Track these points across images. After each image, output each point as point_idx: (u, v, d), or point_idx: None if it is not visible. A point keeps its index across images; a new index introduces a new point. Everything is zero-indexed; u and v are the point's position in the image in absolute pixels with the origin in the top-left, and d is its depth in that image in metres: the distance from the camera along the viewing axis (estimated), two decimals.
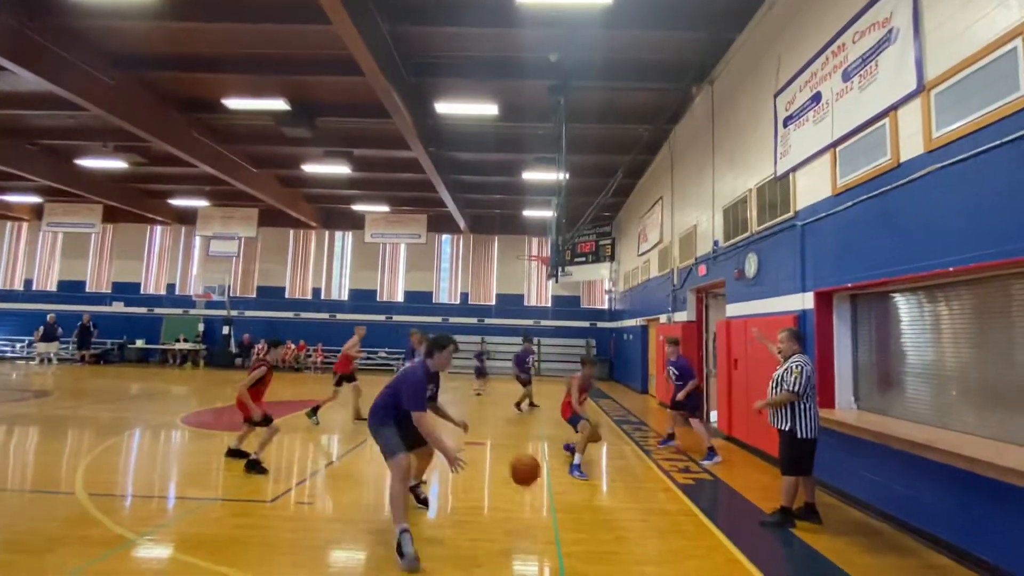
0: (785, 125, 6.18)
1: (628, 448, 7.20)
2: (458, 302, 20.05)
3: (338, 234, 20.34)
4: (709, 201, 8.72)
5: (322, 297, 20.06)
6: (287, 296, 20.03)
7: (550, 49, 8.15)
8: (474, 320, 19.66)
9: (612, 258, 16.91)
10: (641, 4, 7.10)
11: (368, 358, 19.07)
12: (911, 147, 4.18)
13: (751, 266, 7.02)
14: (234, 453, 5.78)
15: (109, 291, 20.05)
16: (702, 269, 9.03)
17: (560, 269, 10.71)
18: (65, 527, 3.78)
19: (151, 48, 8.70)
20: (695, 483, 5.48)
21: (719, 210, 8.21)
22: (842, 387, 5.29)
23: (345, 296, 20.15)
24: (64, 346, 17.93)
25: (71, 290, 19.97)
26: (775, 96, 6.42)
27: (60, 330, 17.53)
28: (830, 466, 5.05)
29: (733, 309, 7.65)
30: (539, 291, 20.27)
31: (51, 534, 3.64)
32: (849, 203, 4.92)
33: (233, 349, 18.70)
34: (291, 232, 20.12)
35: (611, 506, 4.78)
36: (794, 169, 5.97)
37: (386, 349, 19.14)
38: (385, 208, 18.04)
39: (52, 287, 20.13)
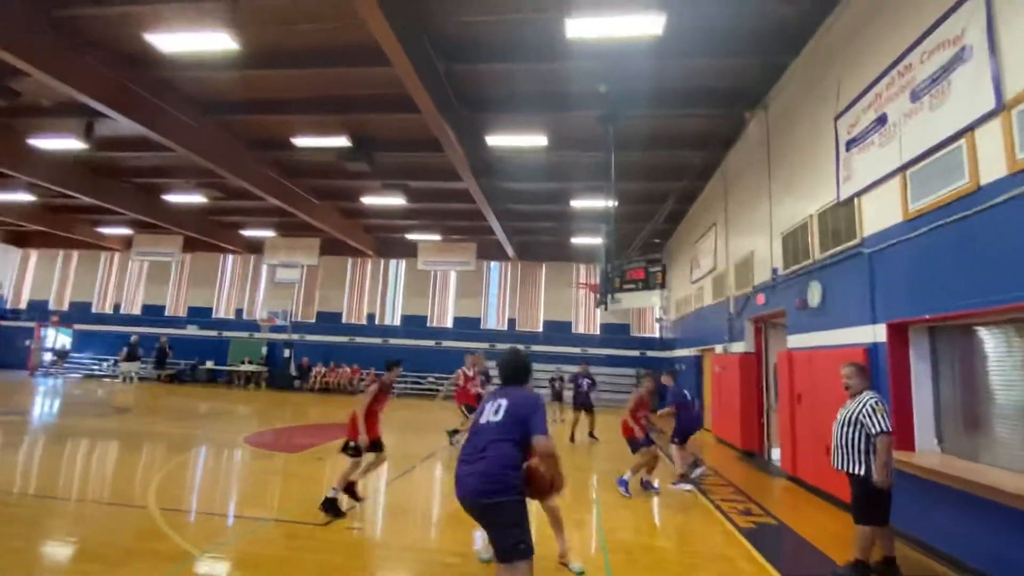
0: (848, 148, 5.92)
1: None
2: (506, 328, 20.13)
3: (392, 262, 21.08)
4: (766, 227, 8.41)
5: (376, 323, 20.71)
6: (344, 321, 20.83)
7: (599, 80, 8.27)
8: (521, 347, 19.57)
9: (663, 285, 16.36)
10: (691, 34, 7.10)
11: (415, 383, 19.41)
12: (992, 169, 3.88)
13: (814, 295, 6.66)
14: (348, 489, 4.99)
15: (185, 315, 21.61)
16: (760, 298, 8.65)
17: (609, 296, 10.54)
18: (138, 540, 4.03)
19: (230, 94, 9.54)
20: (757, 527, 5.13)
21: (777, 236, 7.89)
22: (922, 428, 4.85)
23: (397, 322, 20.71)
24: (144, 366, 19.38)
25: (153, 314, 21.67)
26: (835, 119, 6.18)
27: (141, 351, 19.04)
28: (910, 514, 4.60)
29: (796, 340, 7.25)
30: (587, 318, 20.03)
31: (126, 546, 3.89)
32: (924, 229, 4.61)
33: (292, 372, 19.55)
34: (349, 260, 21.04)
35: (666, 547, 4.56)
36: (859, 194, 5.67)
37: (435, 374, 19.39)
38: (437, 237, 18.57)
39: (137, 311, 21.93)
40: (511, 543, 2.51)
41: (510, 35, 7.36)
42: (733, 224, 10.41)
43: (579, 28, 6.49)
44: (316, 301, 21.10)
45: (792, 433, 7.00)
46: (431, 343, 20.01)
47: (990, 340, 4.26)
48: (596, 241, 15.93)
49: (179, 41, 7.23)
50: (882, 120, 5.24)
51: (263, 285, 21.43)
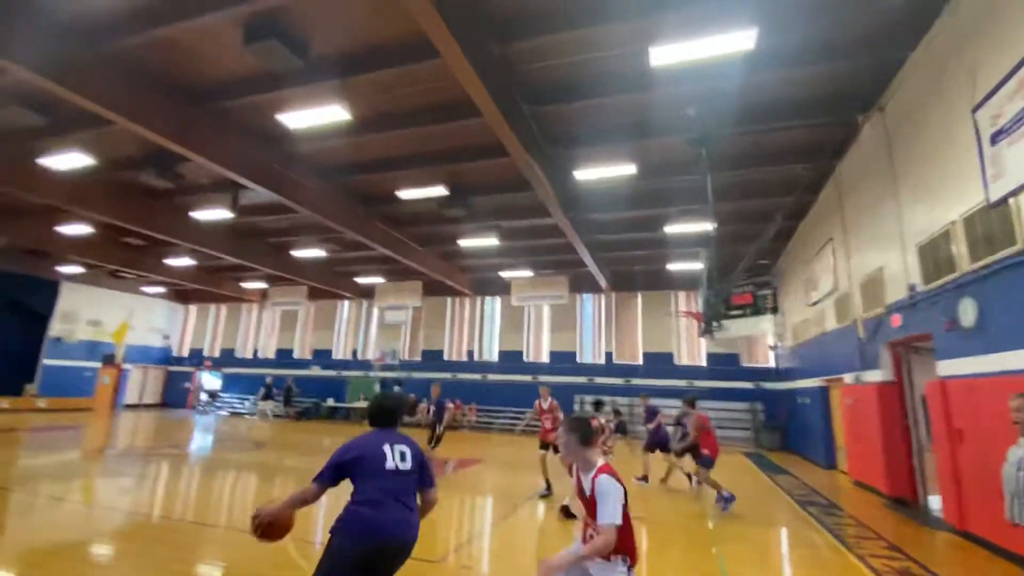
0: (993, 142, 5.14)
1: (818, 537, 6.06)
2: (603, 361, 19.63)
3: (488, 299, 21.73)
4: (895, 239, 7.47)
5: (475, 359, 21.30)
6: (445, 358, 21.70)
7: (687, 103, 8.08)
8: (620, 380, 18.95)
9: (775, 310, 15.09)
10: (787, 42, 6.74)
11: (515, 419, 19.44)
12: None
13: (968, 313, 5.73)
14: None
15: (310, 357, 23.92)
16: (896, 319, 7.61)
17: (716, 324, 9.90)
18: (275, 569, 4.41)
19: (343, 158, 10.72)
20: None
21: (911, 248, 6.97)
22: None
23: (495, 357, 21.12)
24: (278, 404, 21.63)
25: (284, 357, 24.28)
26: (973, 111, 5.42)
27: (276, 391, 21.34)
28: None
29: (948, 367, 6.23)
30: (691, 349, 18.90)
31: (264, 574, 4.27)
32: None
33: None
34: (449, 300, 22.08)
35: None
36: (1014, 193, 4.86)
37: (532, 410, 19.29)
38: (529, 272, 18.89)
39: (271, 355, 24.72)
40: None
41: (593, 71, 7.52)
42: (854, 238, 9.39)
43: (663, 56, 6.45)
44: (421, 340, 22.28)
45: (955, 476, 5.93)
46: (528, 378, 20.06)
47: None
48: (695, 267, 15.20)
49: (303, 118, 8.34)
50: None
51: (374, 327, 23.13)
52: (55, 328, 21.15)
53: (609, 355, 19.60)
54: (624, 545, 2.49)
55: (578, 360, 19.88)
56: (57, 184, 11.53)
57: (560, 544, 5.67)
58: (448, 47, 5.88)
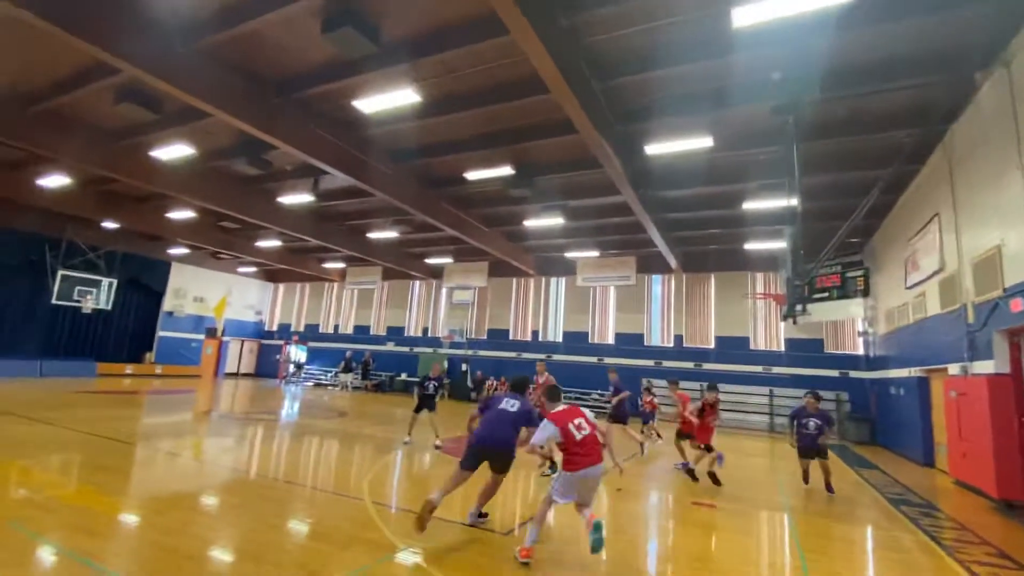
0: None
1: (912, 538, 5.60)
2: (672, 344, 19.04)
3: (553, 280, 21.67)
4: (1018, 212, 6.56)
5: (539, 339, 21.43)
6: (510, 338, 22.02)
7: (772, 68, 7.47)
8: (690, 364, 18.33)
9: (865, 292, 13.84)
10: None
11: (579, 399, 19.45)
12: None
13: None
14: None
15: (384, 334, 25.21)
16: (1016, 304, 6.73)
17: (799, 307, 9.24)
18: (357, 527, 4.76)
19: (414, 141, 11.01)
20: None
21: None
22: None
23: (559, 338, 21.14)
24: (356, 376, 23.08)
25: (361, 333, 25.77)
26: None
27: (355, 364, 22.82)
28: None
29: None
30: (768, 333, 17.85)
31: (348, 532, 4.63)
32: None
33: (469, 384, 21.28)
34: (514, 280, 22.27)
35: None
36: None
37: (598, 391, 19.20)
38: (595, 253, 18.57)
39: (350, 330, 26.31)
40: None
41: (668, 39, 7.13)
42: (966, 212, 8.36)
43: (747, 15, 5.99)
44: (487, 319, 22.73)
45: None
46: (593, 359, 19.92)
47: None
48: (776, 245, 14.25)
49: (376, 102, 8.64)
50: None
51: (443, 306, 23.89)
52: (167, 303, 23.87)
53: (679, 338, 18.99)
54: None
55: (646, 343, 19.43)
56: (166, 174, 12.80)
57: (623, 515, 5.66)
58: (516, 21, 5.80)
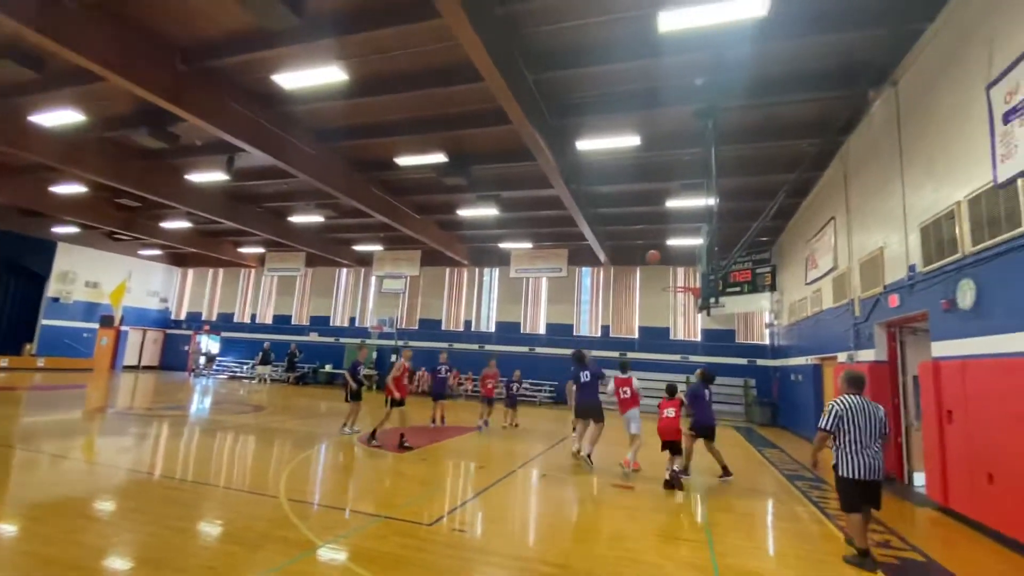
0: (1006, 121, 5.02)
1: (804, 510, 6.21)
2: (599, 335, 19.76)
3: (487, 270, 21.69)
4: (899, 219, 7.40)
5: (472, 329, 21.41)
6: (443, 328, 21.81)
7: (695, 73, 7.88)
8: (616, 353, 19.08)
9: (772, 287, 15.11)
10: (800, 9, 6.51)
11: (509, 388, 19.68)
12: None
13: (966, 295, 5.72)
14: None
15: (308, 324, 24.01)
16: (893, 299, 7.61)
17: (713, 300, 9.89)
18: (271, 526, 4.50)
19: (341, 122, 10.48)
20: (900, 563, 4.48)
21: (914, 229, 6.91)
22: None
23: (492, 328, 21.23)
24: (276, 369, 21.82)
25: (282, 322, 24.39)
26: (988, 88, 5.28)
27: (273, 355, 21.51)
28: None
29: (942, 348, 6.27)
30: (687, 324, 19.00)
31: (261, 531, 4.37)
32: None
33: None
34: (447, 270, 22.03)
35: None
36: (1023, 174, 4.78)
37: (530, 380, 19.55)
38: (528, 244, 18.80)
39: (269, 320, 24.80)
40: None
41: (599, 36, 7.28)
42: (857, 217, 9.31)
43: (672, 21, 6.25)
44: (418, 309, 22.34)
45: (942, 456, 6.04)
46: (525, 349, 20.23)
47: None
48: (695, 242, 15.11)
49: (298, 78, 8.12)
50: None
51: (372, 295, 23.15)
52: (52, 288, 21.14)
53: (606, 328, 19.71)
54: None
55: (575, 333, 19.99)
56: (49, 142, 11.30)
57: (545, 500, 5.82)
58: (449, 5, 5.66)
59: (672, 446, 7.08)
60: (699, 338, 18.65)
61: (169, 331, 26.31)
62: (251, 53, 7.89)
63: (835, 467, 4.59)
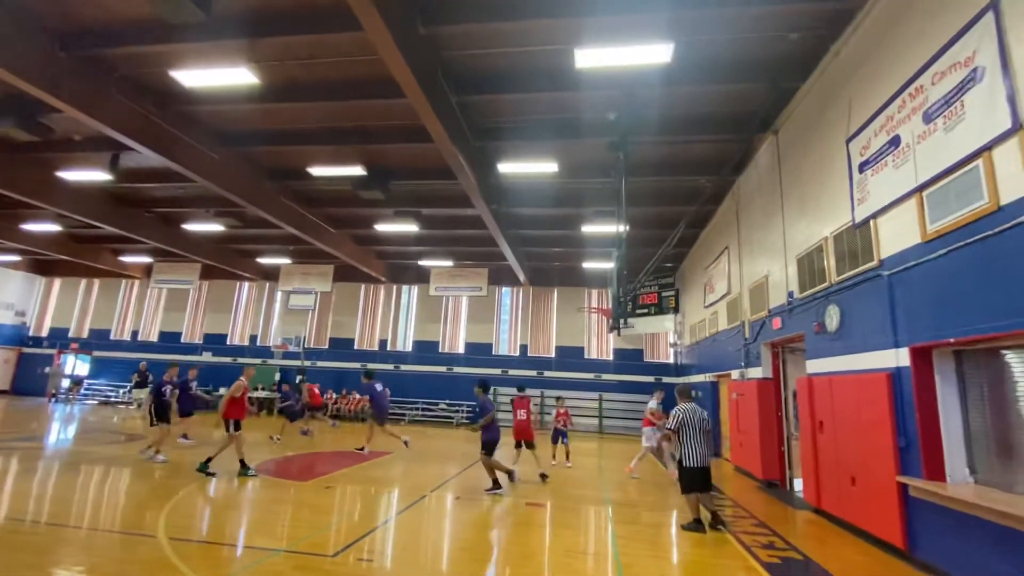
0: (861, 170, 5.88)
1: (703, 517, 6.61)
2: (517, 354, 19.99)
3: (405, 288, 21.20)
4: (780, 250, 8.33)
5: (388, 348, 20.71)
6: (356, 347, 20.87)
7: (609, 108, 8.40)
8: (533, 372, 19.44)
9: (676, 310, 16.18)
10: (698, 61, 7.22)
11: (427, 410, 19.26)
12: (1012, 189, 3.82)
13: (832, 319, 6.53)
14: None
15: (200, 342, 21.83)
16: (776, 322, 8.50)
17: (623, 321, 10.43)
18: (146, 570, 3.96)
19: (249, 126, 9.85)
20: (782, 562, 4.91)
21: (792, 260, 7.81)
22: (953, 457, 4.64)
23: (409, 347, 20.69)
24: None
25: (169, 340, 21.95)
26: (847, 141, 6.17)
27: (151, 376, 19.11)
28: (943, 547, 4.37)
29: (815, 365, 7.07)
30: (600, 344, 19.83)
31: None
32: (943, 250, 4.52)
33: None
34: (362, 287, 21.22)
35: None
36: (875, 216, 5.61)
37: (447, 401, 19.25)
38: (449, 263, 18.70)
39: (154, 338, 22.23)
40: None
41: (520, 65, 7.55)
42: (746, 247, 10.34)
43: (588, 58, 6.64)
44: (329, 327, 21.22)
45: (815, 462, 6.75)
46: (443, 369, 19.92)
47: (1020, 364, 4.11)
48: (608, 266, 15.90)
49: (201, 77, 7.53)
50: (895, 142, 5.22)
51: (277, 312, 21.64)
52: None
53: (524, 347, 19.99)
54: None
55: (494, 352, 20.05)
56: None
57: (457, 527, 5.69)
58: (369, 18, 5.58)
59: (527, 445, 8.77)
60: (611, 357, 19.49)
61: (26, 350, 22.66)
62: (146, 45, 7.21)
63: (680, 461, 5.99)
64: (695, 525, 5.81)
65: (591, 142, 9.30)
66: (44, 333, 23.02)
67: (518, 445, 9.29)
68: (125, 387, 20.68)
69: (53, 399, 20.04)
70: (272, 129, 9.88)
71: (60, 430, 12.51)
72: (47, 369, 21.29)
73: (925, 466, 4.64)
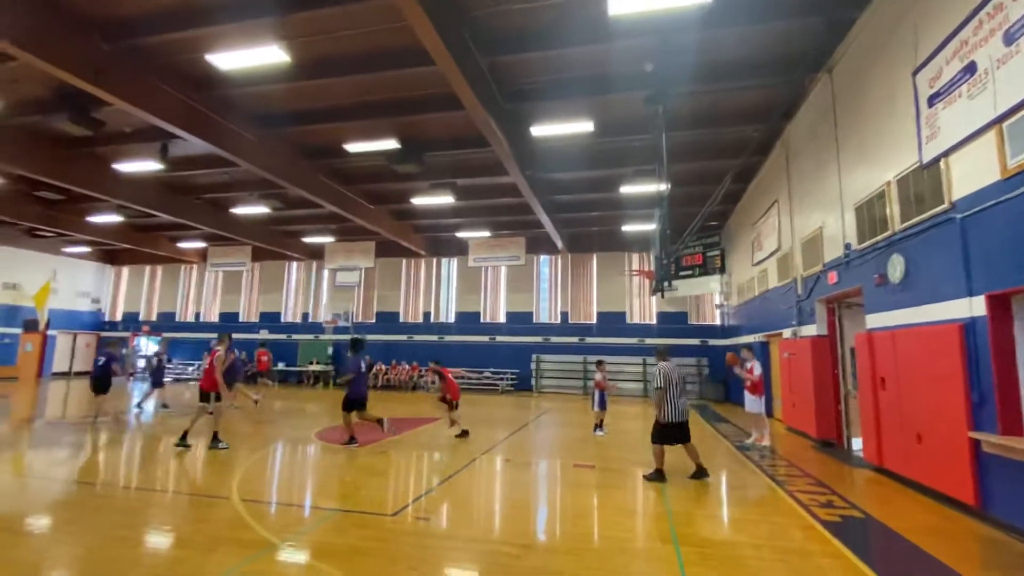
0: (931, 104, 5.36)
1: (754, 477, 6.52)
2: (559, 321, 19.99)
3: (444, 260, 21.43)
4: (836, 200, 7.81)
5: (432, 320, 21.16)
6: (401, 320, 21.44)
7: (645, 59, 7.96)
8: (575, 339, 19.43)
9: (722, 270, 15.78)
10: None
11: (471, 377, 19.68)
12: None
13: (896, 270, 6.11)
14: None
15: (257, 320, 23.01)
16: (832, 276, 8.06)
17: (667, 283, 10.16)
18: (225, 528, 4.29)
19: (284, 106, 9.98)
20: (842, 520, 4.78)
21: (849, 209, 7.31)
22: None
23: (452, 319, 21.06)
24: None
25: (228, 320, 23.23)
26: (914, 74, 5.62)
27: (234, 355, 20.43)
28: (1021, 507, 4.13)
29: (875, 320, 6.69)
30: (642, 308, 19.51)
31: (213, 534, 4.16)
32: None
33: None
34: (403, 261, 21.61)
35: (742, 542, 4.31)
36: (946, 153, 5.13)
37: (491, 369, 19.59)
38: (486, 233, 18.69)
39: (215, 318, 23.59)
40: None
41: (550, 20, 7.23)
42: (797, 200, 9.76)
43: (622, 4, 6.26)
44: (375, 302, 21.84)
45: (876, 420, 6.47)
46: (485, 339, 20.21)
47: None
48: (649, 228, 15.47)
49: (236, 58, 7.65)
50: (971, 68, 4.71)
51: (325, 289, 22.43)
52: None
53: (565, 315, 19.94)
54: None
55: (535, 320, 20.13)
56: None
57: (507, 488, 5.84)
58: None
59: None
60: (654, 321, 19.18)
61: (104, 334, 24.57)
62: (181, 31, 7.36)
63: (657, 417, 6.18)
64: (656, 475, 6.10)
65: (628, 97, 8.90)
66: (118, 318, 24.85)
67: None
68: (195, 364, 22.18)
69: (131, 377, 21.75)
70: (306, 108, 9.98)
71: (147, 406, 13.56)
72: (124, 351, 23.05)
73: (1001, 421, 4.35)
